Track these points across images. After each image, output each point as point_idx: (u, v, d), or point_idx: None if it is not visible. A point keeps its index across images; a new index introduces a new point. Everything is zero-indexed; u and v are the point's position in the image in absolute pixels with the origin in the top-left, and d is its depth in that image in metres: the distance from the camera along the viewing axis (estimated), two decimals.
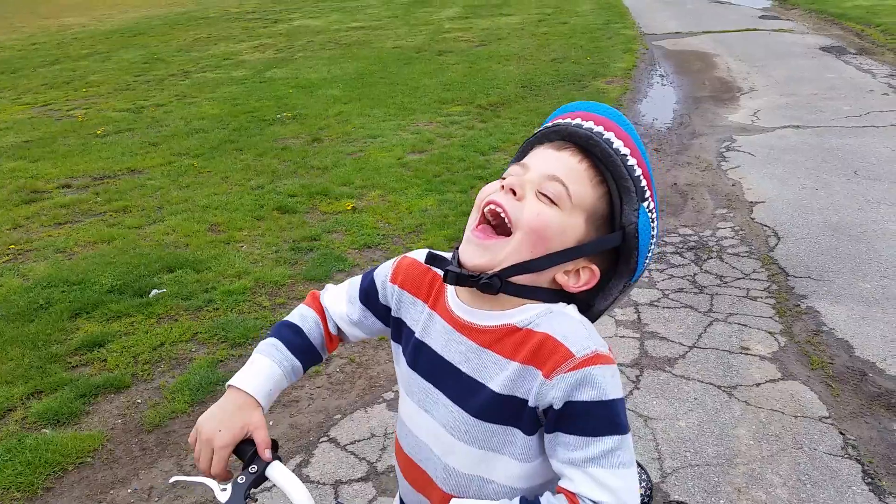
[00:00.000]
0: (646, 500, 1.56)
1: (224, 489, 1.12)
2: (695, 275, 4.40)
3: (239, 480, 1.12)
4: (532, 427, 1.09)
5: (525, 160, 1.14)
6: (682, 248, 4.78)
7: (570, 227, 1.08)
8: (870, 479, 2.74)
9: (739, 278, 4.32)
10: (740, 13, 15.74)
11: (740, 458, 2.89)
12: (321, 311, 1.35)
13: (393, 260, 1.34)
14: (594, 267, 1.11)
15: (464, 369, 1.14)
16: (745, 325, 3.82)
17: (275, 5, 21.50)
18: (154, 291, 4.37)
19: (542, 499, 1.03)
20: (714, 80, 9.74)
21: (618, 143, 1.09)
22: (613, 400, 1.02)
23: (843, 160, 6.25)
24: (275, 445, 1.18)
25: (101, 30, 18.26)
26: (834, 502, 2.65)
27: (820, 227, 4.95)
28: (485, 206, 1.10)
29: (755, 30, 13.43)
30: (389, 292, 1.29)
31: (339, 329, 1.35)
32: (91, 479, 2.96)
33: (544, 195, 1.07)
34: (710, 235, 4.95)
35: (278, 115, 8.65)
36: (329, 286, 1.40)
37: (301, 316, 1.34)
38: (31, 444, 3.09)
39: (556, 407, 1.03)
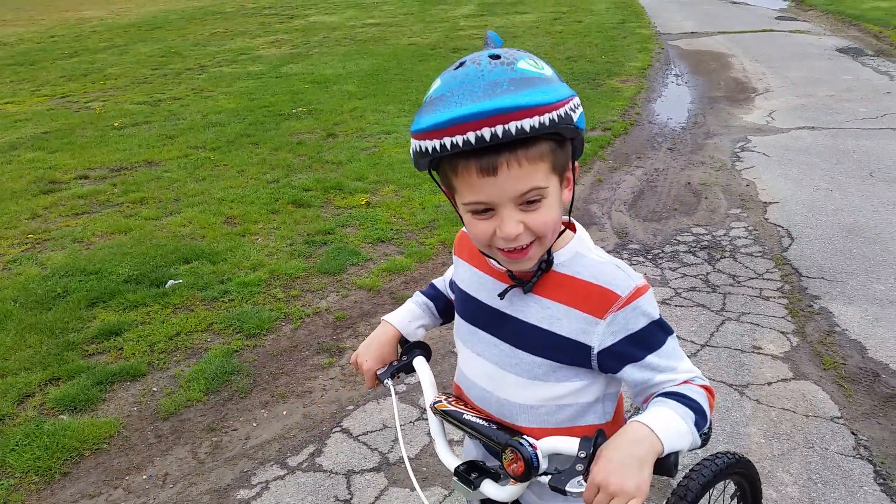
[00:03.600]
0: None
1: (384, 368, 1.52)
2: (707, 274, 4.40)
3: (393, 363, 1.52)
4: (576, 359, 1.26)
5: (474, 198, 1.14)
6: (695, 247, 4.78)
7: (556, 194, 1.17)
8: (882, 480, 2.75)
9: (752, 278, 4.32)
10: (756, 14, 15.66)
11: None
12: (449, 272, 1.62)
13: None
14: (574, 166, 1.23)
15: (507, 311, 1.31)
16: (758, 325, 3.82)
17: (291, 1, 21.58)
18: (170, 282, 4.42)
19: (677, 389, 1.24)
20: (729, 80, 9.70)
21: (525, 123, 1.05)
22: (659, 317, 1.25)
23: (858, 162, 6.22)
24: (427, 349, 1.54)
25: (119, 23, 18.39)
26: (845, 502, 2.65)
27: (834, 229, 4.94)
28: (506, 247, 1.18)
29: (771, 31, 13.36)
30: (455, 261, 1.50)
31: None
32: (107, 465, 3.01)
33: (528, 202, 1.14)
34: (723, 235, 4.94)
35: (294, 110, 8.70)
36: None
37: (439, 278, 1.68)
38: (49, 430, 3.14)
39: (617, 343, 1.22)
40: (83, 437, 3.13)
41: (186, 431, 3.20)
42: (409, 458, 2.95)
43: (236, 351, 3.75)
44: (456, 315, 1.47)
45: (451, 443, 1.44)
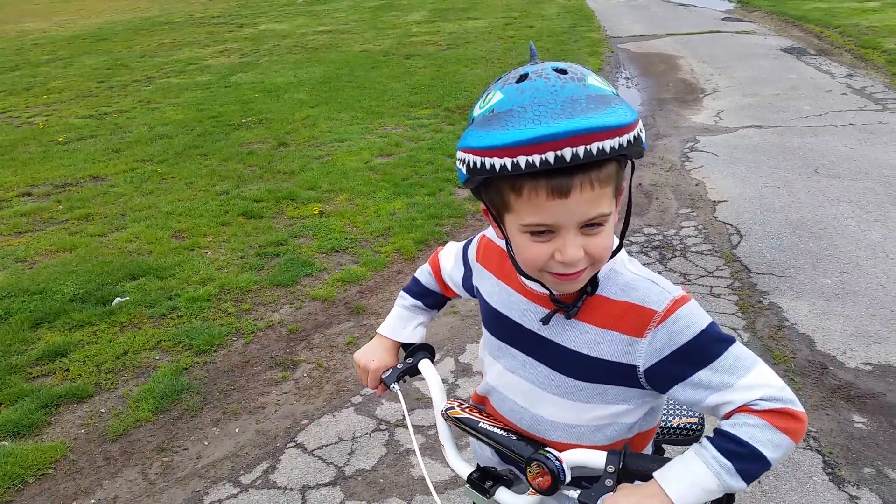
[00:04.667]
0: (698, 427, 1.69)
1: (389, 372, 1.50)
2: (659, 273, 4.44)
3: (398, 367, 1.49)
4: (624, 380, 1.20)
5: (537, 220, 1.08)
6: (647, 247, 4.83)
7: (612, 218, 1.12)
8: (830, 470, 2.80)
9: (703, 276, 4.38)
10: (703, 15, 15.98)
11: None
12: (436, 262, 1.58)
13: (477, 235, 1.47)
14: (625, 187, 1.16)
15: (545, 335, 1.25)
16: None
17: (240, 10, 21.35)
18: (117, 300, 4.31)
19: (725, 427, 1.11)
20: (678, 81, 9.87)
21: (606, 144, 1.01)
22: (709, 325, 1.14)
23: (803, 159, 6.37)
24: (431, 350, 1.53)
25: (63, 35, 17.96)
26: (795, 493, 2.69)
27: (781, 225, 5.04)
28: (563, 271, 1.11)
29: (718, 31, 13.65)
30: (475, 268, 1.44)
31: (448, 282, 1.56)
32: (53, 491, 2.90)
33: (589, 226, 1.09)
34: (674, 234, 5.01)
35: (244, 120, 8.58)
36: (451, 242, 1.59)
37: (421, 270, 1.62)
38: None
39: (662, 360, 1.14)
40: (27, 462, 3.02)
41: (136, 452, 3.12)
42: (367, 471, 2.91)
43: (186, 368, 3.66)
44: (483, 329, 1.40)
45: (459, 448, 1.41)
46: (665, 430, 1.73)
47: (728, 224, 5.11)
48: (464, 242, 1.51)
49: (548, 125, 0.99)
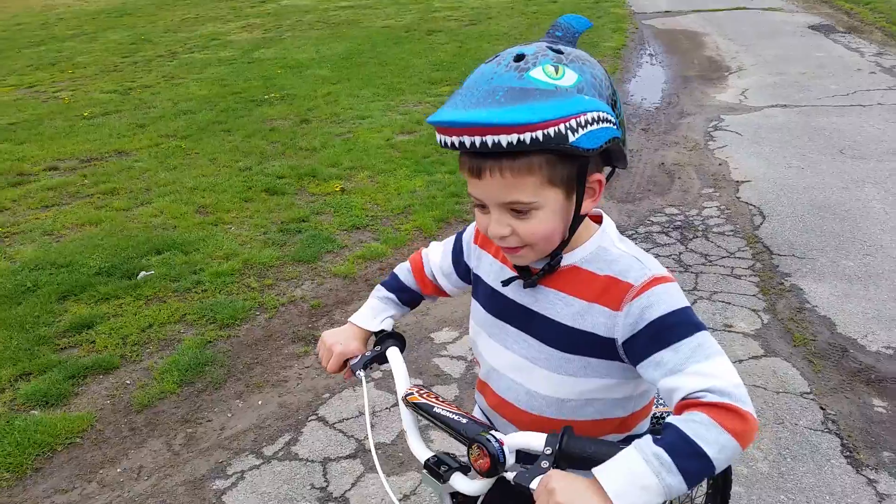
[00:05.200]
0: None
1: (357, 359, 1.51)
2: (680, 254, 4.43)
3: (366, 354, 1.50)
4: (605, 354, 1.23)
5: (471, 192, 1.19)
6: (668, 227, 4.81)
7: (554, 206, 1.16)
8: (848, 453, 2.80)
9: (724, 257, 4.36)
10: None
11: None
12: (418, 260, 1.63)
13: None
14: (596, 178, 1.20)
15: (535, 308, 1.30)
16: (729, 303, 3.86)
17: None
18: (142, 273, 4.38)
19: (671, 421, 1.06)
20: (703, 59, 9.73)
21: (502, 139, 1.06)
22: (682, 307, 1.16)
23: (829, 139, 6.28)
24: (401, 340, 1.53)
25: (87, 10, 18.04)
26: (813, 475, 2.70)
27: (805, 206, 4.99)
28: (496, 243, 1.23)
29: (745, 8, 13.40)
30: (472, 251, 1.49)
31: (434, 276, 1.59)
32: (80, 459, 2.98)
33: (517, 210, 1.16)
34: (696, 215, 4.98)
35: (266, 96, 8.61)
36: (434, 242, 1.65)
37: (400, 266, 1.65)
38: (20, 426, 3.11)
39: (634, 335, 1.16)
40: (55, 431, 3.11)
41: (161, 423, 3.19)
42: (386, 444, 2.96)
43: (210, 342, 3.73)
44: (479, 308, 1.43)
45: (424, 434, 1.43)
46: (663, 417, 1.72)
47: (751, 205, 5.07)
48: (454, 234, 1.57)
49: (455, 112, 1.09)
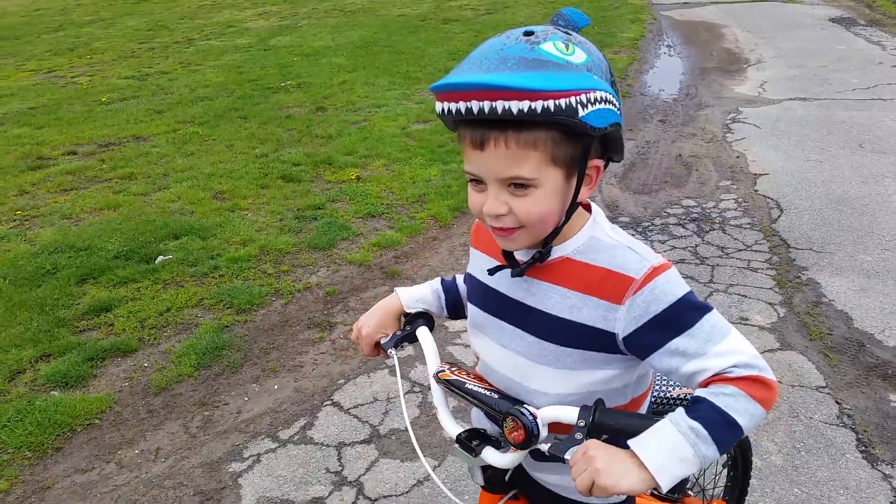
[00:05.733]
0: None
1: (388, 338, 1.52)
2: (696, 246, 4.42)
3: (397, 333, 1.51)
4: (604, 347, 1.20)
5: (468, 168, 1.16)
6: (684, 219, 4.80)
7: (554, 187, 1.13)
8: (863, 448, 2.79)
9: (741, 250, 4.34)
10: None
11: None
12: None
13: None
14: (595, 164, 1.18)
15: (529, 303, 1.27)
16: (745, 296, 3.85)
17: None
18: (160, 258, 4.42)
19: (701, 395, 1.10)
20: (721, 51, 9.66)
21: (513, 105, 1.03)
22: (684, 295, 1.14)
23: (848, 133, 6.22)
24: (430, 319, 1.54)
25: None
26: (828, 469, 2.70)
27: (823, 200, 4.95)
28: (491, 224, 1.18)
29: (764, 0, 13.26)
30: (472, 255, 1.45)
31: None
32: (99, 440, 3.02)
33: (515, 186, 1.13)
34: (713, 207, 4.95)
35: (282, 83, 8.63)
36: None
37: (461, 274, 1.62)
38: (41, 406, 3.15)
39: (640, 328, 1.15)
40: (75, 412, 3.15)
41: (178, 406, 3.22)
42: (401, 431, 2.98)
43: (227, 326, 3.76)
44: (475, 308, 1.41)
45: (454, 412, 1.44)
46: (663, 401, 1.72)
47: (768, 198, 5.04)
48: None
49: (463, 76, 1.05)
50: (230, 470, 2.83)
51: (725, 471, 2.23)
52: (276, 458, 2.89)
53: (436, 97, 1.11)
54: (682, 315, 1.13)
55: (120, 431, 3.08)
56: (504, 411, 1.22)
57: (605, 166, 1.25)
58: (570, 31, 1.14)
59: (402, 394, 1.48)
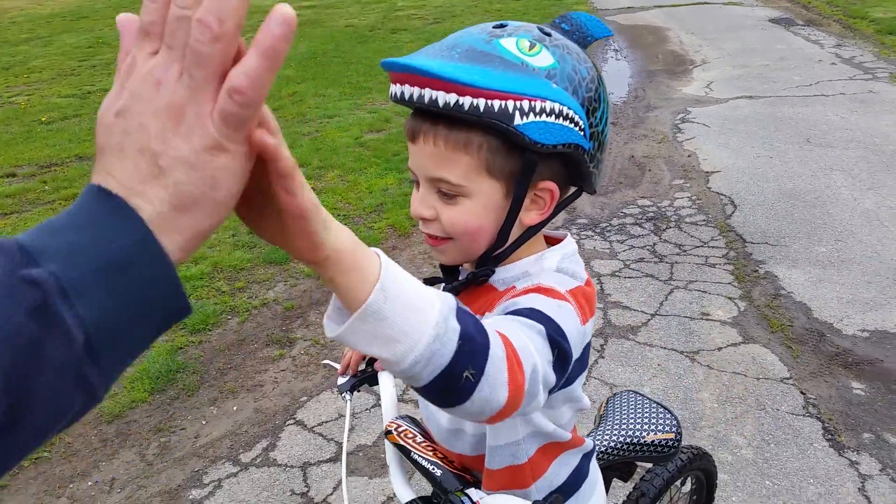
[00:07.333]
0: (674, 444, 1.58)
1: (346, 378, 1.46)
2: (654, 244, 4.43)
3: (357, 374, 1.44)
4: None
5: (409, 162, 1.07)
6: (641, 219, 4.81)
7: (487, 201, 1.01)
8: (830, 436, 2.81)
9: (698, 246, 4.37)
10: None
11: (705, 420, 2.92)
12: None
13: None
14: (548, 186, 1.03)
15: None
16: (705, 292, 3.86)
17: None
18: None
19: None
20: (667, 53, 9.81)
21: (440, 96, 0.91)
22: (549, 314, 0.90)
23: (795, 129, 6.35)
24: None
25: (41, 13, 17.61)
26: (797, 460, 2.70)
27: (775, 195, 5.03)
28: (420, 227, 1.09)
29: (705, 3, 13.54)
30: None
31: None
32: (49, 474, 2.87)
33: (443, 194, 1.02)
34: (668, 206, 4.99)
35: None
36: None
37: None
38: None
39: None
40: None
41: (133, 433, 3.09)
42: (367, 446, 2.90)
43: (181, 348, 3.63)
44: None
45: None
46: (638, 447, 1.66)
47: (722, 194, 5.10)
48: None
49: (406, 58, 0.95)
50: (190, 497, 2.71)
51: (688, 496, 2.19)
52: (238, 482, 2.78)
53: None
54: (520, 311, 0.91)
55: (71, 464, 2.93)
56: (445, 493, 1.14)
57: (575, 195, 1.12)
58: (551, 34, 1.02)
59: (345, 448, 1.38)
